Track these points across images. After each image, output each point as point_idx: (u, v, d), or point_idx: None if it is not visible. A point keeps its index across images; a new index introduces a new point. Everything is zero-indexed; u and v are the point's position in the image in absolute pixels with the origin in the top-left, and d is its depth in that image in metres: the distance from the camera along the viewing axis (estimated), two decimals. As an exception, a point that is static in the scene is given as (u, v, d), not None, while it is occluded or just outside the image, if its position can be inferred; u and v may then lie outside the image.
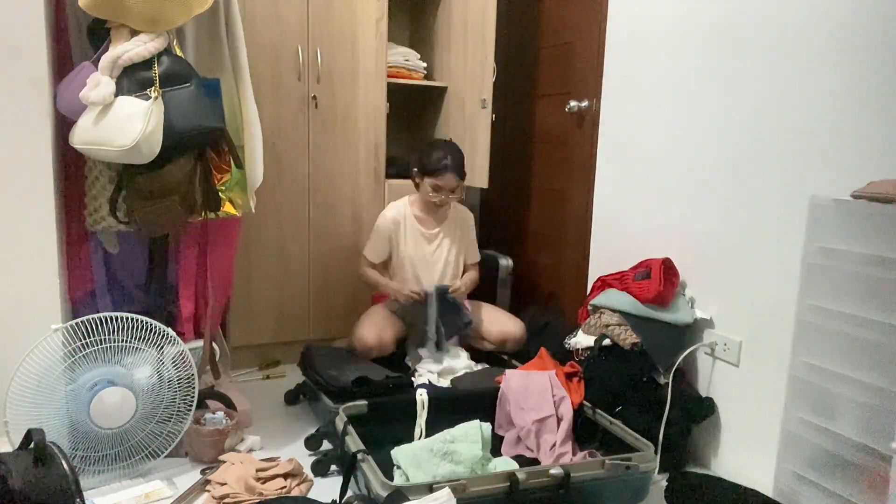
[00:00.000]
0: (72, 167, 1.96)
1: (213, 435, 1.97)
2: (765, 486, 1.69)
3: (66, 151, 1.90)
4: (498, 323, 2.62)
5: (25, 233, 1.83)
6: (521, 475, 1.62)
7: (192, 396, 1.93)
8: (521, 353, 2.53)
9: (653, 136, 2.29)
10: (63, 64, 1.92)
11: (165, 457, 1.91)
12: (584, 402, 2.05)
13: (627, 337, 2.06)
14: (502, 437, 2.08)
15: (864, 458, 1.46)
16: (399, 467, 1.78)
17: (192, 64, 1.90)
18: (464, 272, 2.74)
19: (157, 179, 1.81)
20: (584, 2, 2.71)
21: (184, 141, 1.80)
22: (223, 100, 2.03)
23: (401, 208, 2.62)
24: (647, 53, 2.31)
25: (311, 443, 2.10)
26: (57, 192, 1.88)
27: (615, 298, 2.15)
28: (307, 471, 1.93)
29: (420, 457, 1.77)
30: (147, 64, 1.76)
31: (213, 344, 2.25)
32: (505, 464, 1.85)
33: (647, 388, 2.05)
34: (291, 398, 2.48)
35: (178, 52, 1.86)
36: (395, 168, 2.96)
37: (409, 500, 1.50)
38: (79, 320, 1.78)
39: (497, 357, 2.61)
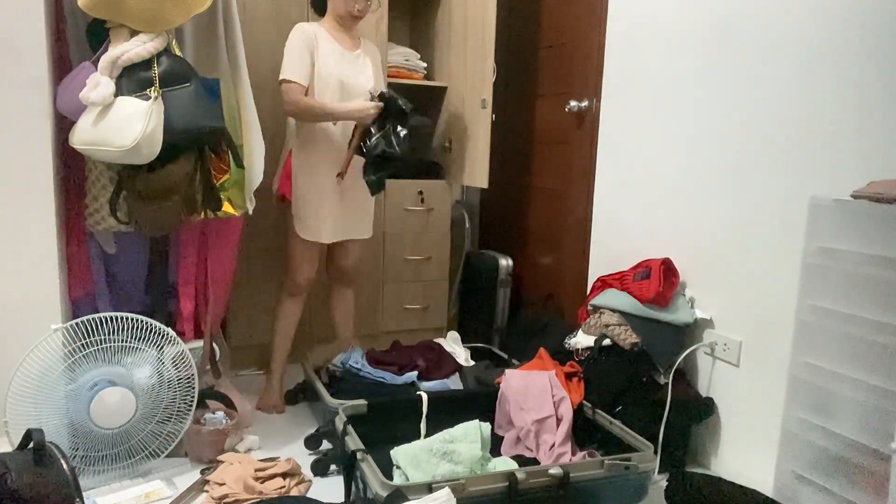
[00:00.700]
0: (72, 168, 1.97)
1: (213, 435, 1.98)
2: (765, 486, 1.69)
3: (66, 152, 1.90)
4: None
5: (25, 233, 1.83)
6: (520, 475, 1.62)
7: (192, 396, 1.93)
8: (518, 352, 2.53)
9: (653, 135, 2.29)
10: (63, 64, 1.92)
11: (165, 457, 1.91)
12: (584, 402, 2.05)
13: (627, 337, 2.06)
14: (502, 438, 2.08)
15: (864, 458, 1.45)
16: (398, 467, 1.78)
17: (192, 64, 1.90)
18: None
19: (158, 180, 1.81)
20: (584, 2, 2.71)
21: (184, 141, 1.80)
22: (222, 100, 2.03)
23: (312, 26, 2.29)
24: (647, 53, 2.31)
25: (311, 442, 2.10)
26: (57, 193, 1.88)
27: (615, 298, 2.15)
28: (306, 471, 1.93)
29: (419, 457, 1.76)
30: (146, 64, 1.76)
31: (213, 344, 2.25)
32: (504, 464, 1.85)
33: (647, 388, 2.05)
34: (291, 398, 2.48)
35: (178, 52, 1.86)
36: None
37: (408, 499, 1.50)
38: (79, 320, 1.78)
39: (497, 355, 2.61)
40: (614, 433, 1.93)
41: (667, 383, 2.00)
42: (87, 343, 1.78)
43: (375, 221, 2.89)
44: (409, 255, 2.98)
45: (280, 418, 2.35)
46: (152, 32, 1.77)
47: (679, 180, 2.19)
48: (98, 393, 1.77)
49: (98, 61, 1.75)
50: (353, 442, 1.75)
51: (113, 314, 1.81)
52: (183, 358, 1.91)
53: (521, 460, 1.92)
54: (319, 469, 1.95)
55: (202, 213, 1.96)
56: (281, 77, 2.21)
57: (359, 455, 1.67)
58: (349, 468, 1.71)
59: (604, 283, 2.28)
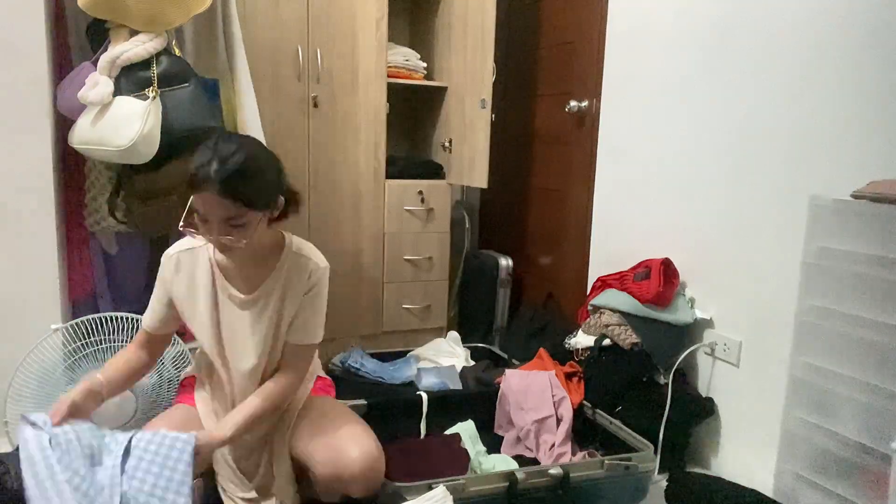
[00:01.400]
0: (72, 167, 1.97)
1: (212, 435, 1.97)
2: (765, 486, 1.69)
3: (66, 151, 1.90)
4: (329, 448, 1.49)
5: (25, 233, 1.83)
6: (520, 475, 1.62)
7: (192, 396, 1.93)
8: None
9: (653, 136, 2.29)
10: (63, 64, 1.93)
11: (165, 457, 1.91)
12: (584, 402, 2.05)
13: (627, 337, 2.06)
14: (502, 437, 2.08)
15: (864, 458, 1.45)
16: None
17: (191, 64, 1.90)
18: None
19: (156, 179, 1.82)
20: (584, 2, 2.71)
21: (182, 141, 1.80)
22: (221, 100, 2.03)
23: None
24: (646, 53, 2.31)
25: None
26: (57, 192, 1.88)
27: (615, 298, 2.15)
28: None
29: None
30: (145, 64, 1.76)
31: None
32: (503, 461, 1.86)
33: (647, 388, 2.05)
34: None
35: (177, 53, 1.86)
36: (395, 168, 2.96)
37: (406, 499, 1.50)
38: (79, 320, 1.78)
39: (497, 355, 2.61)
40: (614, 433, 1.93)
41: (667, 383, 2.00)
42: (87, 343, 1.78)
43: (376, 221, 2.90)
44: (409, 255, 2.98)
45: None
46: (152, 32, 1.77)
47: (679, 180, 2.19)
48: (98, 393, 1.77)
49: (98, 61, 1.75)
50: None
51: (113, 314, 1.81)
52: (183, 358, 1.90)
53: (521, 460, 1.92)
54: None
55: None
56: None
57: None
58: None
59: (604, 283, 2.28)
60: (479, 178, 2.82)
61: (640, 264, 2.24)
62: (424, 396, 2.05)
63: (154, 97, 1.74)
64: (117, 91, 1.74)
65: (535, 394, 2.03)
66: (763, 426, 1.88)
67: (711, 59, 2.05)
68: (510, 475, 1.62)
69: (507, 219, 3.33)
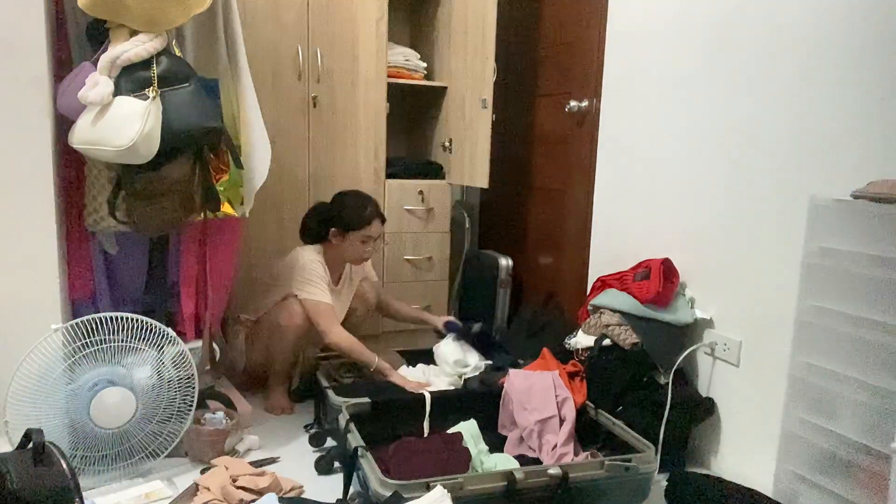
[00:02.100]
0: (72, 167, 1.97)
1: (213, 435, 1.97)
2: (765, 486, 1.69)
3: (66, 151, 1.90)
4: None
5: (25, 233, 1.83)
6: (518, 474, 1.62)
7: (192, 396, 1.93)
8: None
9: (653, 135, 2.29)
10: (63, 64, 1.92)
11: (165, 457, 1.91)
12: (587, 403, 2.05)
13: (627, 337, 2.06)
14: (505, 437, 2.08)
15: (864, 458, 1.45)
16: None
17: (191, 64, 1.90)
18: (381, 306, 2.71)
19: (156, 179, 1.81)
20: (584, 2, 2.71)
21: (182, 141, 1.80)
22: (222, 100, 2.03)
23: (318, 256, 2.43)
24: (646, 53, 2.31)
25: (315, 440, 2.11)
26: (57, 192, 1.88)
27: (615, 298, 2.15)
28: (309, 469, 1.94)
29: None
30: (146, 64, 1.76)
31: (213, 344, 2.25)
32: (505, 460, 1.86)
33: (647, 389, 2.05)
34: (298, 396, 2.48)
35: (178, 52, 1.86)
36: (395, 168, 2.96)
37: (405, 499, 1.50)
38: (79, 320, 1.78)
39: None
40: (616, 434, 1.93)
41: (667, 383, 2.00)
42: (87, 343, 1.78)
43: (375, 221, 2.90)
44: (409, 255, 2.98)
45: (280, 417, 2.34)
46: (152, 32, 1.77)
47: (679, 180, 2.19)
48: (98, 393, 1.77)
49: (98, 61, 1.75)
50: (355, 439, 1.75)
51: (113, 314, 1.81)
52: (183, 358, 1.90)
53: (524, 460, 1.92)
54: (321, 467, 1.95)
55: (201, 214, 1.96)
56: (307, 297, 2.33)
57: (360, 451, 1.67)
58: (349, 466, 1.72)
59: (604, 283, 2.28)
60: (479, 177, 2.82)
61: (640, 264, 2.24)
62: (428, 396, 2.06)
63: (154, 97, 1.74)
64: (117, 91, 1.74)
65: (539, 394, 2.03)
66: (763, 426, 1.88)
67: (711, 58, 2.05)
68: (509, 475, 1.62)
69: (507, 219, 3.33)
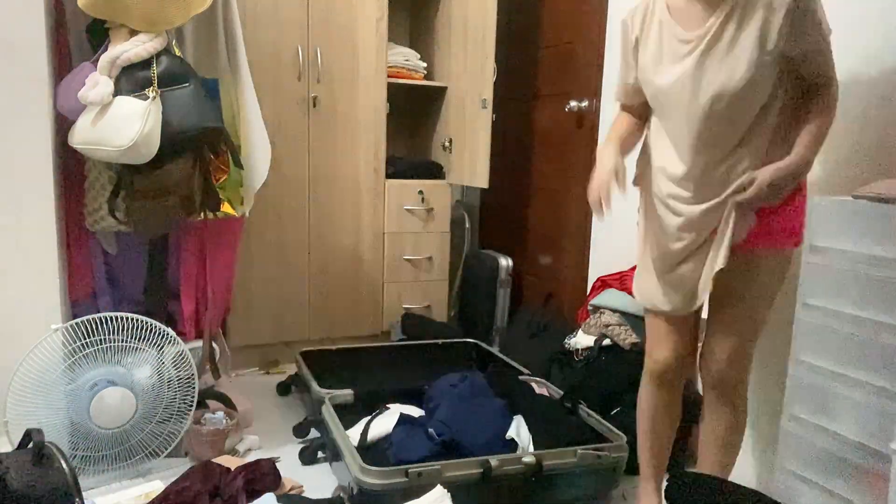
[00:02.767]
0: (72, 167, 1.97)
1: (213, 435, 1.97)
2: (765, 486, 1.69)
3: (66, 151, 1.90)
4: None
5: (25, 233, 1.83)
6: (493, 461, 1.66)
7: (192, 396, 1.93)
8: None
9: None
10: (63, 64, 1.93)
11: (165, 457, 1.91)
12: (566, 395, 2.04)
13: (627, 337, 2.06)
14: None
15: (864, 458, 1.45)
16: None
17: (191, 64, 1.90)
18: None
19: (156, 179, 1.82)
20: (584, 2, 2.71)
21: (182, 141, 1.80)
22: (222, 100, 2.03)
23: None
24: (647, 53, 2.30)
25: (300, 431, 2.14)
26: (57, 192, 1.88)
27: (615, 298, 2.15)
28: (311, 469, 1.96)
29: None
30: (146, 64, 1.76)
31: (213, 344, 2.25)
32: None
33: (647, 388, 2.05)
34: (283, 389, 2.53)
35: (177, 52, 1.86)
36: (395, 168, 2.96)
37: (405, 499, 1.51)
38: (79, 320, 1.78)
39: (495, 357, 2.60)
40: (592, 426, 1.96)
41: (667, 383, 2.00)
42: (87, 343, 1.78)
43: (376, 221, 2.90)
44: (409, 255, 2.98)
45: (280, 417, 2.34)
46: (152, 32, 1.77)
47: (679, 180, 2.18)
48: (98, 393, 1.77)
49: (98, 61, 1.75)
50: (335, 425, 1.82)
51: (113, 314, 1.81)
52: (183, 358, 1.91)
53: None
54: (306, 457, 2.00)
55: (201, 214, 1.96)
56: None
57: (325, 400, 1.77)
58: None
59: (604, 283, 2.28)
60: (479, 177, 2.82)
61: (640, 264, 2.23)
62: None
63: (154, 97, 1.74)
64: (117, 91, 1.74)
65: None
66: (763, 426, 1.88)
67: (711, 59, 2.05)
68: (484, 462, 1.66)
69: (507, 219, 3.33)
